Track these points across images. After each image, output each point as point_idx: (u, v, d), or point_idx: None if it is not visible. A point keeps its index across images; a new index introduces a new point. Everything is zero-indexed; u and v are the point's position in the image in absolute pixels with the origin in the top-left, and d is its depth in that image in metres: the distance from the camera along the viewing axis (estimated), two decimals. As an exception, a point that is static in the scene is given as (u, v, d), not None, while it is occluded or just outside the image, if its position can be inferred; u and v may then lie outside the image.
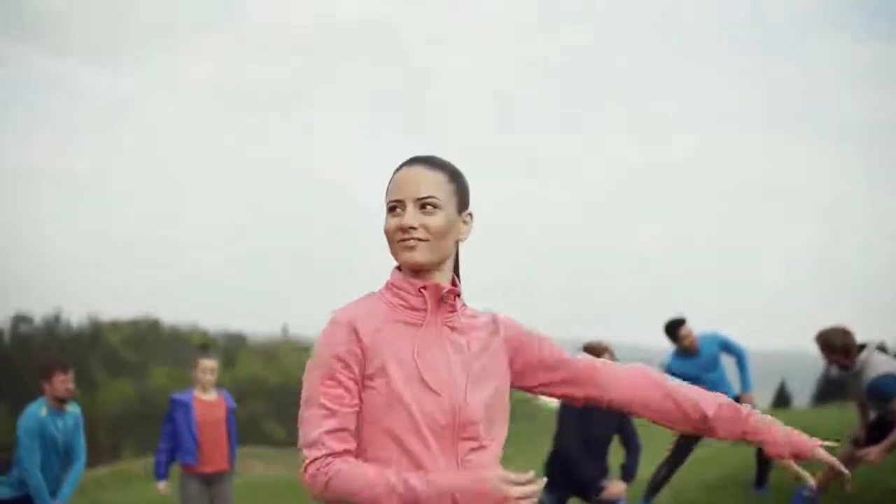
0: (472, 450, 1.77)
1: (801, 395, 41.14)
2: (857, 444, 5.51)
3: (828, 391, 37.47)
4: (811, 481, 1.94)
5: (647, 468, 6.01)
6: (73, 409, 5.39)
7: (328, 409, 1.72)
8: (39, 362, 5.37)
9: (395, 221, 1.80)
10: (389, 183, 1.85)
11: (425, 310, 1.81)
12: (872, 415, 5.52)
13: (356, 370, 1.74)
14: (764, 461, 6.63)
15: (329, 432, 1.71)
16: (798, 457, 1.93)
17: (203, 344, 6.96)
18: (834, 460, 1.94)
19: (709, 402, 1.94)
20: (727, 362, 6.68)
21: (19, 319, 54.12)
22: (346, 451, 1.72)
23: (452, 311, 1.84)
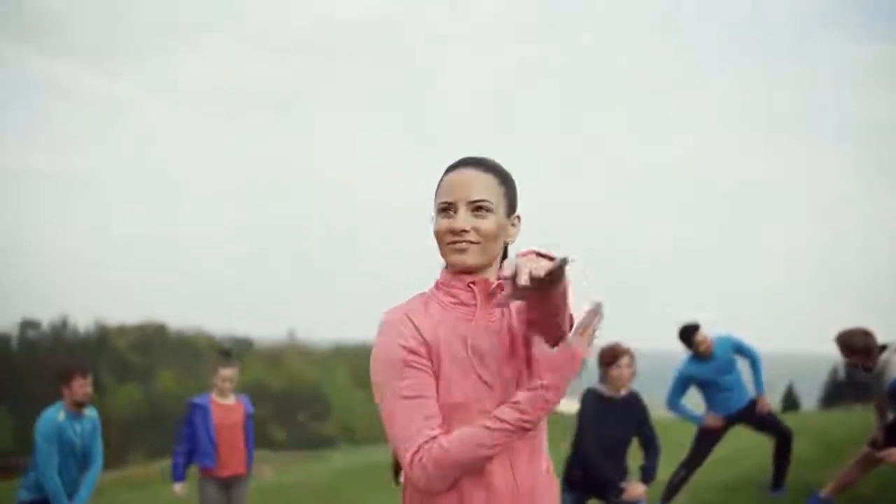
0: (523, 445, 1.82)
1: (808, 398, 41.03)
2: (876, 445, 5.49)
3: (835, 394, 37.44)
4: None
5: (666, 469, 6.00)
6: (90, 412, 5.41)
7: (414, 398, 1.74)
8: (58, 367, 5.39)
9: (446, 223, 1.81)
10: (440, 184, 1.86)
11: (475, 305, 1.83)
12: (891, 416, 5.50)
13: (427, 359, 1.77)
14: (780, 462, 6.62)
15: (422, 420, 1.72)
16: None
17: (223, 350, 6.88)
18: None
19: None
20: (741, 364, 6.68)
21: (27, 325, 54.15)
22: (442, 435, 1.74)
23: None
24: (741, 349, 6.58)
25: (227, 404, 6.08)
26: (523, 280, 1.55)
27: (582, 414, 5.16)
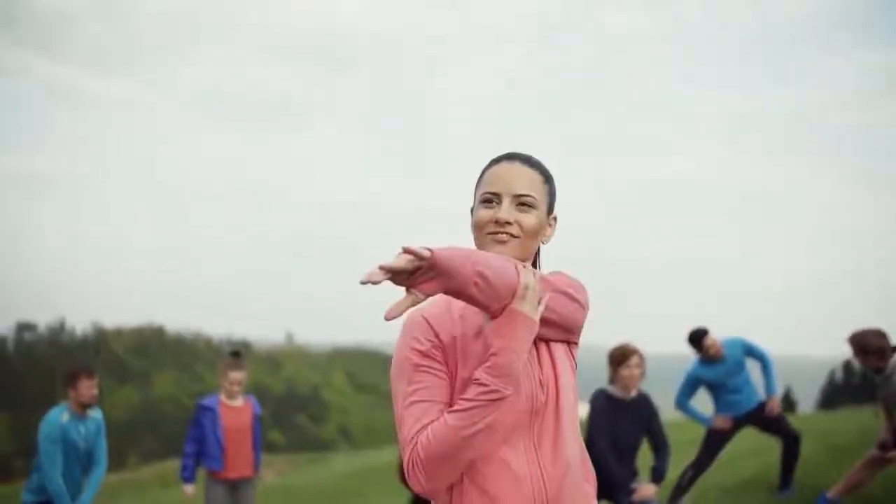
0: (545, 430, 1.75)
1: (806, 401, 41.06)
2: (884, 447, 5.47)
3: (833, 397, 37.46)
4: None
5: (675, 470, 5.99)
6: (95, 414, 5.39)
7: (420, 403, 1.69)
8: (64, 369, 5.39)
9: (489, 213, 1.78)
10: (483, 174, 1.84)
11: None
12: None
13: (441, 362, 1.72)
14: (788, 464, 6.61)
15: (425, 427, 1.67)
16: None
17: (233, 352, 6.84)
18: None
19: None
20: (751, 366, 6.67)
21: (23, 327, 53.95)
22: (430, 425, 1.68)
23: None
24: (752, 351, 6.58)
25: (235, 406, 6.05)
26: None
27: (593, 415, 5.14)
